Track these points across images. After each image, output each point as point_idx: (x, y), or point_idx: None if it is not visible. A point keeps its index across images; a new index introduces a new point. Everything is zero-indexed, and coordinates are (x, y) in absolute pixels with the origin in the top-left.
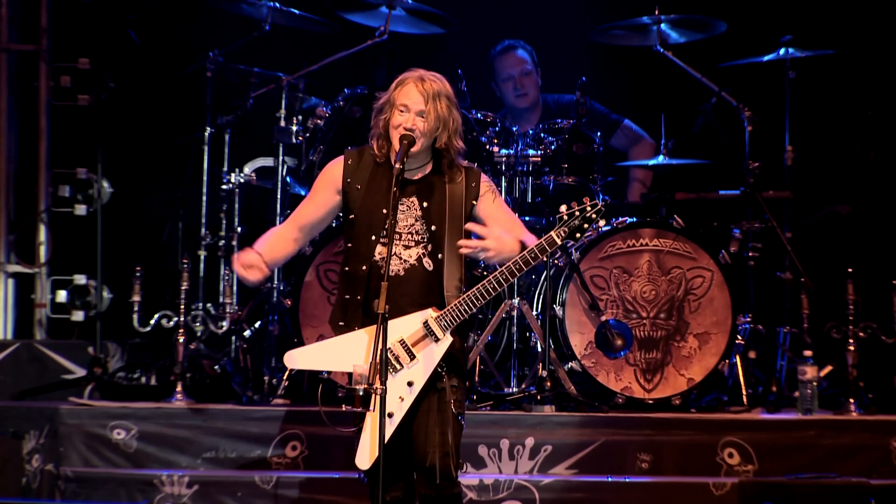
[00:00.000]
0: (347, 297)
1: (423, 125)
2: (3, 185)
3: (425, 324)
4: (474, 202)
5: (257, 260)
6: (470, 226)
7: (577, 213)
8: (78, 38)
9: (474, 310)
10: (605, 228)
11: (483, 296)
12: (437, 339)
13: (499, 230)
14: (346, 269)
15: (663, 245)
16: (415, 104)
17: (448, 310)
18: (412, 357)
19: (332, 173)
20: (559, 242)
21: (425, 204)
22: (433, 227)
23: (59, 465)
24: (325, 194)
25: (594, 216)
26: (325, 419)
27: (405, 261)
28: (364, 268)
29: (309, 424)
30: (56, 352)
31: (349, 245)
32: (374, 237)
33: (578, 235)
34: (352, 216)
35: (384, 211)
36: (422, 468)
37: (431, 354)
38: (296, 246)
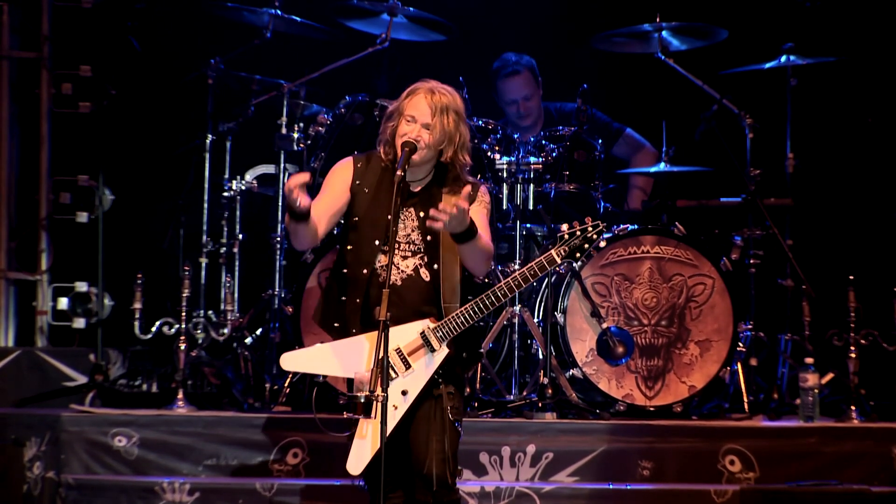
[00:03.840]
0: (344, 298)
1: (428, 137)
2: (5, 192)
3: (422, 334)
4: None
5: (306, 178)
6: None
7: (579, 233)
8: (79, 45)
9: (471, 322)
10: (606, 235)
11: (481, 310)
12: (433, 350)
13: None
14: (345, 271)
15: (664, 252)
16: (422, 116)
17: (445, 321)
18: (408, 366)
19: (344, 171)
20: (559, 261)
21: (422, 214)
22: (429, 238)
23: (60, 472)
24: (340, 187)
25: (594, 236)
26: (319, 425)
27: (402, 271)
28: (365, 272)
29: (310, 432)
30: (57, 359)
31: (349, 248)
32: (377, 242)
33: (578, 255)
34: (356, 219)
35: (388, 217)
36: (419, 475)
37: (427, 365)
38: (319, 231)
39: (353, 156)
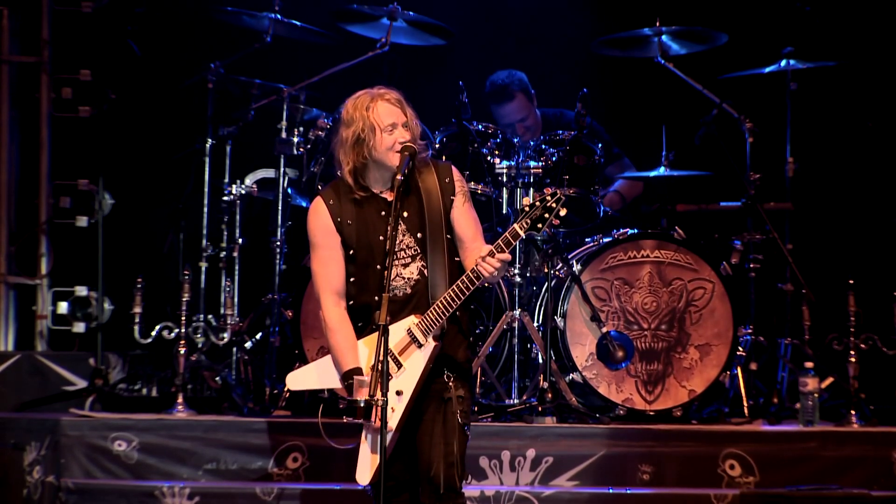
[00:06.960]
0: (360, 324)
1: (410, 135)
2: (5, 196)
3: (409, 331)
4: (452, 198)
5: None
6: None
7: (538, 204)
8: (79, 49)
9: (452, 310)
10: (606, 240)
11: (458, 296)
12: (420, 345)
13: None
14: (352, 303)
15: (664, 256)
16: (398, 118)
17: (427, 314)
18: (399, 366)
19: (321, 220)
20: (522, 234)
21: (405, 214)
22: (419, 235)
23: (60, 476)
24: (330, 241)
25: (555, 205)
26: (325, 437)
27: (408, 279)
28: (376, 299)
29: (310, 436)
30: (57, 363)
31: (351, 280)
32: (378, 266)
33: (540, 226)
34: (351, 252)
35: (381, 238)
36: (426, 478)
37: (417, 361)
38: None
39: (320, 193)
